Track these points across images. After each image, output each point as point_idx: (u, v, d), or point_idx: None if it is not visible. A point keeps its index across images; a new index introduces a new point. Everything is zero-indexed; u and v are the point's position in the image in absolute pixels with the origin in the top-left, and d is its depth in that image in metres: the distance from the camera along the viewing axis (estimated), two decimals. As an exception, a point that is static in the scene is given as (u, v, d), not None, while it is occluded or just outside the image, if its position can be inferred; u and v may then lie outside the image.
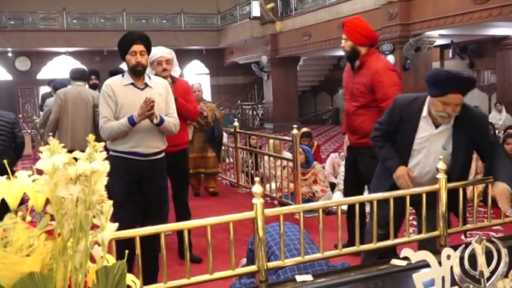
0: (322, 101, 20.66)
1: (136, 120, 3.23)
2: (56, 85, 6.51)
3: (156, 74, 4.08)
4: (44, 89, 14.07)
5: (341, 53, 14.23)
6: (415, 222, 3.60)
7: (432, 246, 2.43)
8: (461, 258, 1.80)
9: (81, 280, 1.03)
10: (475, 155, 6.68)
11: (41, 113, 8.20)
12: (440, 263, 1.76)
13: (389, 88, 3.66)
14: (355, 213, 2.58)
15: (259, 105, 19.73)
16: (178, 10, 19.48)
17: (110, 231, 1.06)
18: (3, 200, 1.03)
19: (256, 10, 17.38)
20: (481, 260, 1.81)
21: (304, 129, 7.40)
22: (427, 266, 1.77)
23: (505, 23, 10.31)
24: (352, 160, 4.11)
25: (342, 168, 5.88)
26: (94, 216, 1.04)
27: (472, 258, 1.82)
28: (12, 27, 17.47)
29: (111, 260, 1.12)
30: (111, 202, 1.06)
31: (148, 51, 3.42)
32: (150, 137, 3.37)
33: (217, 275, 2.28)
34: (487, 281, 1.81)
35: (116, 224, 1.07)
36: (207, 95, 16.26)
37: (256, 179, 2.27)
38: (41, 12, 17.99)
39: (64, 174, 0.98)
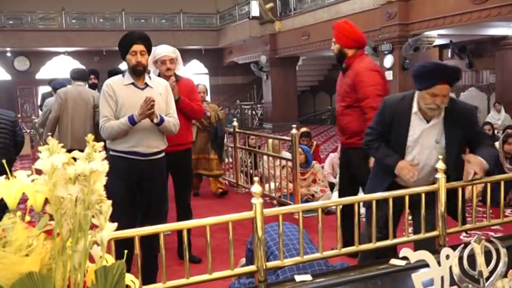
0: (321, 101, 20.66)
1: (137, 119, 3.23)
2: (56, 85, 6.52)
3: (160, 73, 4.08)
4: (43, 89, 14.06)
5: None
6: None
7: (429, 246, 2.43)
8: (461, 258, 1.80)
9: (80, 280, 1.03)
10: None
11: (40, 112, 8.19)
12: (439, 263, 1.76)
13: (369, 88, 3.76)
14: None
15: (258, 105, 19.72)
16: (177, 10, 19.47)
17: (109, 231, 1.06)
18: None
19: (255, 10, 17.37)
20: (480, 259, 1.81)
21: (303, 129, 7.41)
22: (426, 265, 1.77)
23: (503, 23, 10.32)
24: (345, 160, 4.21)
25: (341, 168, 5.89)
26: (93, 216, 1.04)
27: (471, 258, 1.82)
28: (11, 27, 17.46)
29: (110, 260, 1.12)
30: (110, 202, 1.06)
31: (149, 51, 3.42)
32: (150, 136, 3.37)
33: (216, 274, 2.28)
34: (486, 281, 1.82)
35: (115, 224, 1.07)
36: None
37: (256, 178, 2.27)
38: (40, 12, 17.97)
39: (63, 174, 0.98)
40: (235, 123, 7.44)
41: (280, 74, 17.36)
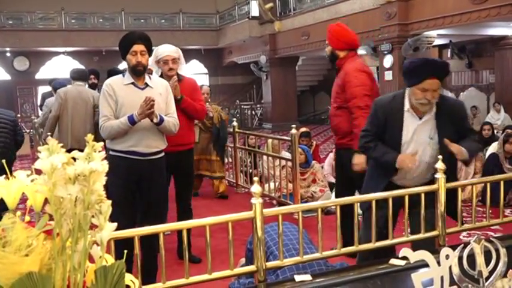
0: (321, 101, 20.64)
1: (137, 119, 3.24)
2: (56, 85, 6.54)
3: (162, 73, 4.07)
4: (43, 89, 14.05)
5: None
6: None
7: (428, 247, 2.42)
8: (460, 258, 1.80)
9: (80, 280, 1.03)
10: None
11: (40, 112, 8.19)
12: (439, 263, 1.76)
13: (356, 88, 3.82)
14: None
15: (258, 105, 19.71)
16: (176, 10, 19.47)
17: (109, 231, 1.06)
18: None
19: (255, 10, 17.36)
20: (480, 259, 1.81)
21: (303, 129, 7.41)
22: (426, 265, 1.77)
23: (503, 23, 10.32)
24: (339, 161, 4.27)
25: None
26: (93, 216, 1.04)
27: (471, 258, 1.82)
28: (10, 27, 17.46)
29: (109, 260, 1.12)
30: (109, 202, 1.06)
31: (149, 51, 3.42)
32: (149, 136, 3.37)
33: (216, 274, 2.27)
34: (486, 281, 1.82)
35: (115, 224, 1.07)
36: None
37: (255, 178, 2.27)
38: (40, 12, 17.97)
39: (63, 174, 0.98)
40: (234, 123, 7.45)
41: (280, 74, 17.35)
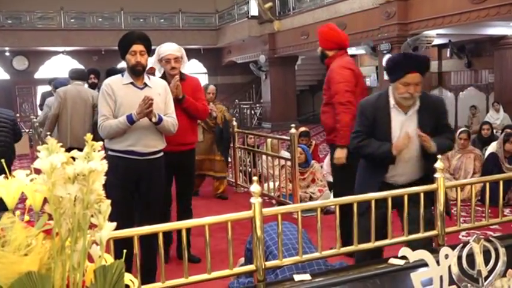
0: (320, 101, 20.55)
1: (135, 118, 3.24)
2: (57, 84, 6.56)
3: (164, 72, 4.05)
4: (42, 89, 14.04)
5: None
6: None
7: (423, 246, 2.42)
8: (459, 258, 1.80)
9: (79, 279, 1.03)
10: (473, 155, 6.69)
11: (40, 112, 8.19)
12: (438, 262, 1.76)
13: (338, 84, 3.96)
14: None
15: (257, 105, 19.70)
16: (176, 9, 19.45)
17: (108, 230, 1.06)
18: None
19: (254, 9, 17.35)
20: (479, 259, 1.82)
21: (302, 129, 7.41)
22: (425, 265, 1.77)
23: (502, 22, 10.32)
24: (331, 157, 4.39)
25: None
26: (92, 216, 1.04)
27: (470, 257, 1.82)
28: (9, 27, 17.43)
29: (109, 259, 1.12)
30: (109, 201, 1.06)
31: (148, 51, 3.41)
32: (148, 135, 3.37)
33: (215, 274, 2.27)
34: (485, 280, 1.82)
35: (114, 224, 1.07)
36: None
37: (255, 178, 2.27)
38: (39, 11, 17.95)
39: (62, 174, 0.98)
40: (234, 123, 7.44)
41: (279, 74, 17.34)
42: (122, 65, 3.42)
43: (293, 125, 5.88)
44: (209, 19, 20.43)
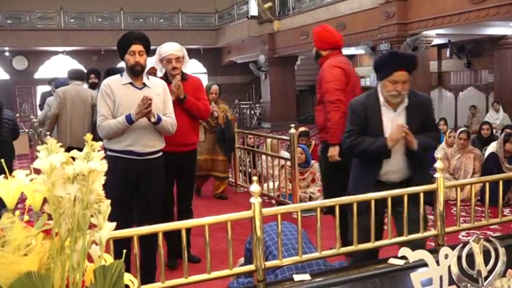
0: (320, 101, 20.63)
1: (134, 118, 3.24)
2: (58, 84, 6.58)
3: (166, 72, 4.04)
4: (42, 89, 14.04)
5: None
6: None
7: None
8: (459, 258, 1.80)
9: (79, 279, 1.03)
10: (472, 155, 6.69)
11: (39, 112, 8.18)
12: (438, 262, 1.76)
13: (328, 83, 4.02)
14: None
15: (257, 105, 19.70)
16: (175, 9, 19.45)
17: (108, 230, 1.06)
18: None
19: (253, 9, 17.35)
20: (479, 259, 1.81)
21: (302, 129, 7.41)
22: (425, 265, 1.77)
23: (502, 22, 10.32)
24: None
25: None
26: (92, 216, 1.04)
27: (470, 257, 1.82)
28: (9, 26, 17.44)
29: (108, 259, 1.12)
30: (108, 201, 1.06)
31: (147, 51, 3.41)
32: (147, 135, 3.37)
33: (215, 274, 2.27)
34: (485, 280, 1.82)
35: (114, 223, 1.07)
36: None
37: (254, 178, 2.27)
38: (39, 11, 17.95)
39: (62, 174, 0.98)
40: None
41: (279, 74, 17.34)
42: (122, 65, 3.45)
43: (293, 125, 5.88)
44: (209, 19, 20.42)
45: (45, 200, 1.01)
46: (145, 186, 3.42)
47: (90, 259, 1.07)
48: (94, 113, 5.32)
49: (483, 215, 3.20)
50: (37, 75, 19.12)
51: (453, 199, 4.88)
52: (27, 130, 12.60)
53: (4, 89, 18.73)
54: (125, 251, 1.16)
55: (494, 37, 12.83)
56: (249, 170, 7.12)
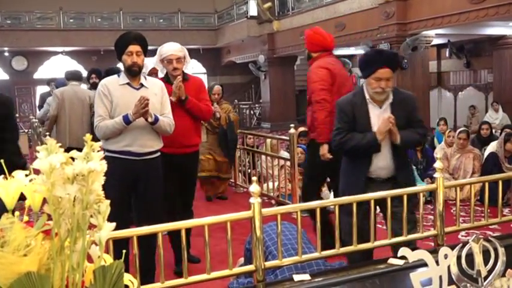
0: (320, 101, 20.62)
1: (131, 118, 3.24)
2: (58, 84, 6.59)
3: (167, 73, 4.02)
4: (41, 89, 14.05)
5: (338, 52, 14.26)
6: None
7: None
8: (459, 258, 1.80)
9: (79, 280, 1.03)
10: (472, 154, 6.68)
11: (38, 112, 8.19)
12: (437, 262, 1.76)
13: (314, 83, 4.10)
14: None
15: (257, 105, 19.70)
16: (175, 9, 19.45)
17: (107, 230, 1.06)
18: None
19: (253, 9, 17.34)
20: (479, 259, 1.82)
21: (302, 129, 7.39)
22: (425, 265, 1.77)
23: (501, 22, 10.32)
24: None
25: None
26: (91, 216, 1.04)
27: (469, 257, 1.82)
28: (8, 27, 17.42)
29: (108, 259, 1.12)
30: (108, 202, 1.06)
31: (145, 52, 3.41)
32: (144, 135, 3.37)
33: (215, 274, 2.27)
34: (485, 280, 1.82)
35: (114, 224, 1.07)
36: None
37: (254, 178, 2.27)
38: (38, 11, 17.94)
39: (61, 174, 0.98)
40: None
41: (279, 74, 17.34)
42: (121, 65, 3.45)
43: (292, 125, 5.88)
44: (208, 19, 20.41)
45: (44, 201, 1.01)
46: (144, 187, 3.42)
47: (89, 259, 1.07)
48: (92, 113, 5.33)
49: (483, 215, 3.20)
50: (36, 76, 19.12)
51: (453, 199, 4.88)
52: (26, 130, 12.59)
53: (3, 89, 18.65)
54: (124, 251, 1.16)
55: (493, 37, 12.83)
56: (249, 170, 7.12)
